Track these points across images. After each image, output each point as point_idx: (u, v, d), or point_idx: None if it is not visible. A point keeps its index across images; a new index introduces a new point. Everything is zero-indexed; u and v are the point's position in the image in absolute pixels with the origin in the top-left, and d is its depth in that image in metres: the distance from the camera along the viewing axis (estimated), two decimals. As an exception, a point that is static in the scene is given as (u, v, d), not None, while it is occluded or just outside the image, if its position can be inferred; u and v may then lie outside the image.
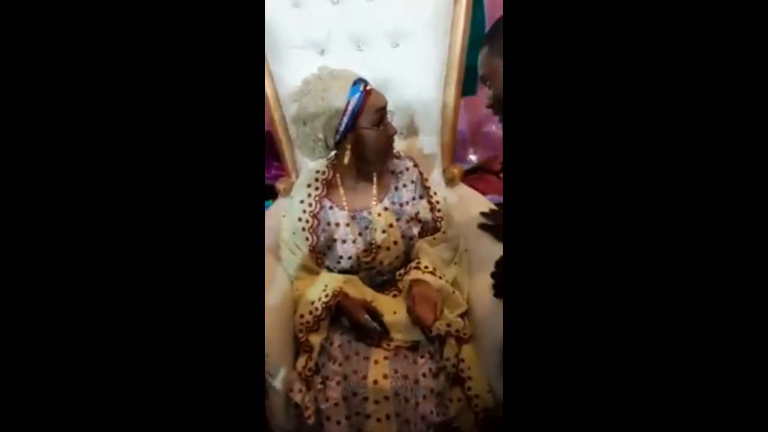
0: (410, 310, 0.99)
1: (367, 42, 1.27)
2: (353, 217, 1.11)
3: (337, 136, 1.02)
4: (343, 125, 1.00)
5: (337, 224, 1.11)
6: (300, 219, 1.11)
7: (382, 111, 1.01)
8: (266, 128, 1.42)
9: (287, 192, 1.38)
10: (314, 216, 1.11)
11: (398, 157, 1.15)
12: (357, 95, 0.99)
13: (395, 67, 1.26)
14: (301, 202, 1.12)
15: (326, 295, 1.04)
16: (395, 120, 1.17)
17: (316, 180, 1.13)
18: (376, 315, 1.02)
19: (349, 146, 1.03)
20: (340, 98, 0.99)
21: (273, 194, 1.46)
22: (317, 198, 1.12)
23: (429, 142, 1.36)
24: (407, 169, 1.14)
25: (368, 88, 1.01)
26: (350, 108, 0.99)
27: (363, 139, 1.02)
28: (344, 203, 1.12)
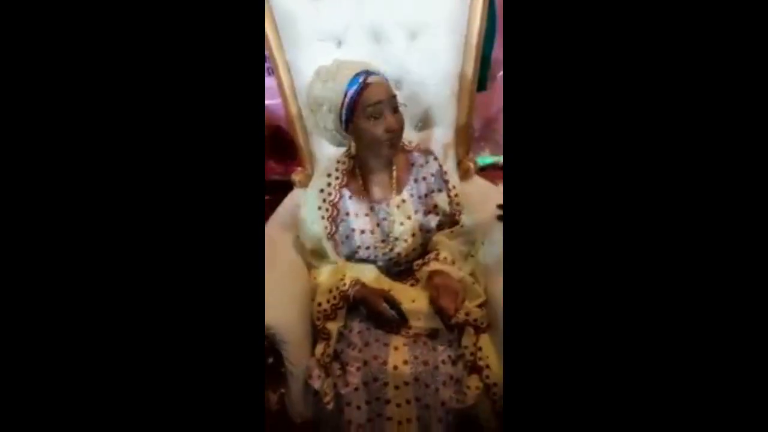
0: (432, 300, 1.00)
1: (384, 35, 1.28)
2: (372, 208, 1.12)
3: (342, 127, 1.04)
4: (343, 116, 1.02)
5: (356, 214, 1.12)
6: (320, 207, 1.12)
7: (378, 104, 1.01)
8: (282, 122, 1.43)
9: (303, 183, 1.39)
10: (333, 205, 1.12)
11: (418, 150, 1.16)
12: (354, 87, 1.00)
13: (412, 59, 1.27)
14: (321, 191, 1.13)
15: (344, 284, 1.04)
16: (408, 112, 1.18)
17: (336, 170, 1.14)
18: (394, 304, 1.02)
19: (351, 137, 1.05)
20: (341, 89, 1.01)
21: (288, 187, 1.47)
22: (337, 187, 1.13)
23: (444, 135, 1.37)
24: (427, 162, 1.15)
25: (368, 80, 1.01)
26: (347, 99, 1.01)
27: (360, 131, 1.03)
28: (363, 193, 1.13)
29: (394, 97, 1.03)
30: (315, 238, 1.13)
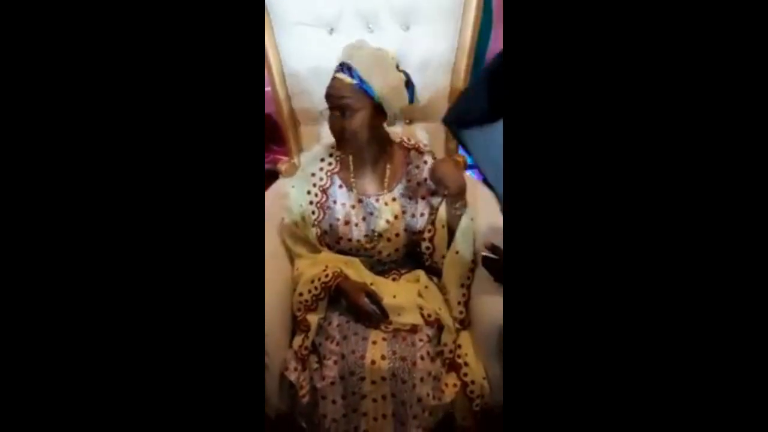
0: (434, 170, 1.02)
1: (378, 23, 1.25)
2: (360, 201, 1.10)
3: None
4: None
5: (343, 204, 1.10)
6: (309, 192, 1.10)
7: (328, 99, 1.01)
8: (268, 110, 1.40)
9: (289, 173, 1.37)
10: (323, 191, 1.10)
11: (416, 149, 1.14)
12: (344, 73, 1.01)
13: (405, 49, 1.24)
14: (313, 175, 1.11)
15: (326, 276, 1.03)
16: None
17: (330, 155, 1.12)
18: (375, 298, 1.01)
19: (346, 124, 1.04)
20: (328, 76, 1.03)
21: (273, 177, 1.44)
22: (329, 173, 1.11)
23: (434, 129, 1.35)
24: (425, 162, 1.12)
25: (335, 74, 1.01)
26: (327, 87, 1.02)
27: (350, 120, 1.01)
28: (353, 184, 1.11)
29: (343, 98, 1.00)
30: (301, 222, 1.11)
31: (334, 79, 1.01)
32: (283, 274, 1.11)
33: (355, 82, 0.99)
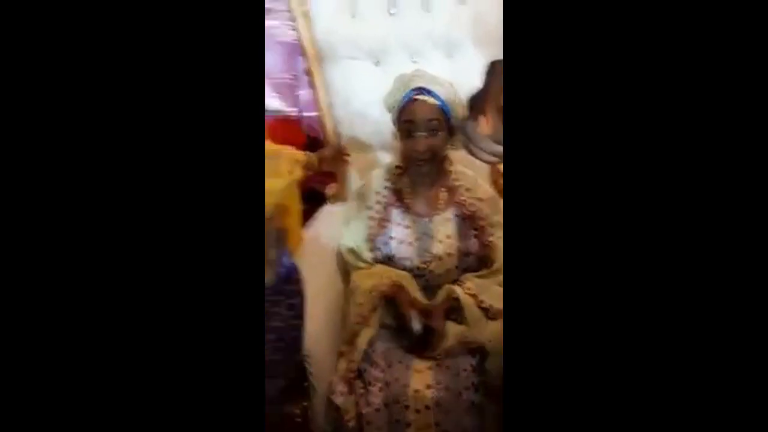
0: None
1: (421, 53, 1.29)
2: (414, 221, 1.13)
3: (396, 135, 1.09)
4: (395, 125, 1.07)
5: (398, 223, 1.13)
6: (370, 207, 1.14)
7: (410, 123, 1.04)
8: (320, 134, 1.45)
9: (336, 198, 1.41)
10: (385, 207, 1.13)
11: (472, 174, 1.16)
12: (405, 100, 1.04)
13: (447, 78, 1.27)
14: (377, 192, 1.15)
15: (383, 285, 1.05)
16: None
17: (393, 174, 1.15)
18: (424, 318, 1.02)
19: (402, 147, 1.08)
20: (399, 98, 1.06)
21: (318, 197, 1.49)
22: (390, 191, 1.14)
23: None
24: (479, 185, 1.14)
25: (416, 96, 1.04)
26: (396, 111, 1.06)
27: (407, 143, 1.05)
28: (409, 205, 1.14)
29: (431, 120, 1.04)
30: (358, 236, 1.14)
31: (415, 101, 1.05)
32: (330, 299, 1.15)
33: (438, 103, 1.04)
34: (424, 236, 1.11)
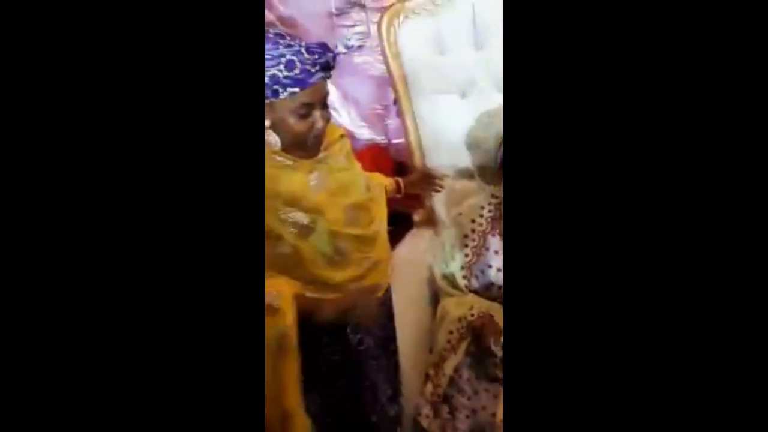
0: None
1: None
2: None
3: (497, 166, 1.12)
4: (499, 157, 1.10)
5: (496, 252, 1.15)
6: (467, 235, 1.17)
7: None
8: (408, 161, 1.51)
9: (423, 224, 1.47)
10: (482, 234, 1.17)
11: None
12: None
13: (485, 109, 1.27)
14: (473, 221, 1.18)
15: (472, 315, 1.09)
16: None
17: (489, 203, 1.18)
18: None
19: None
20: (490, 133, 1.09)
21: (405, 220, 1.55)
22: (488, 220, 1.17)
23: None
24: None
25: None
26: (496, 144, 1.09)
27: None
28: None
29: None
30: (454, 263, 1.17)
31: None
32: (420, 320, 1.20)
33: None
34: None
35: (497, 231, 1.16)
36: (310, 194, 0.91)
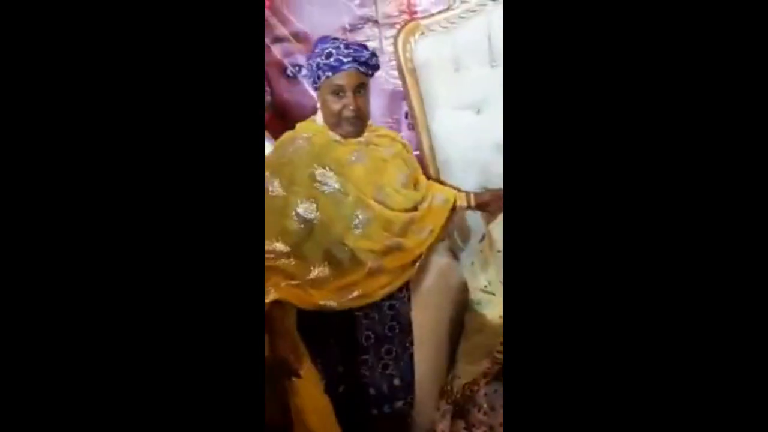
0: None
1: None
2: None
3: None
4: None
5: None
6: (499, 250, 1.18)
7: None
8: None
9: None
10: None
11: None
12: None
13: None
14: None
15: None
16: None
17: None
18: None
19: None
20: None
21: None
22: None
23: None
24: None
25: None
26: None
27: None
28: None
29: None
30: (492, 276, 1.18)
31: None
32: (436, 333, 1.19)
33: None
34: None
35: None
36: (347, 165, 1.07)
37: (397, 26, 1.45)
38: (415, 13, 1.55)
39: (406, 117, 1.58)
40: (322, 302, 1.01)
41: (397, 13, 1.63)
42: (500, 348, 1.07)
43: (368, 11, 1.65)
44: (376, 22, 1.72)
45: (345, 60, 1.04)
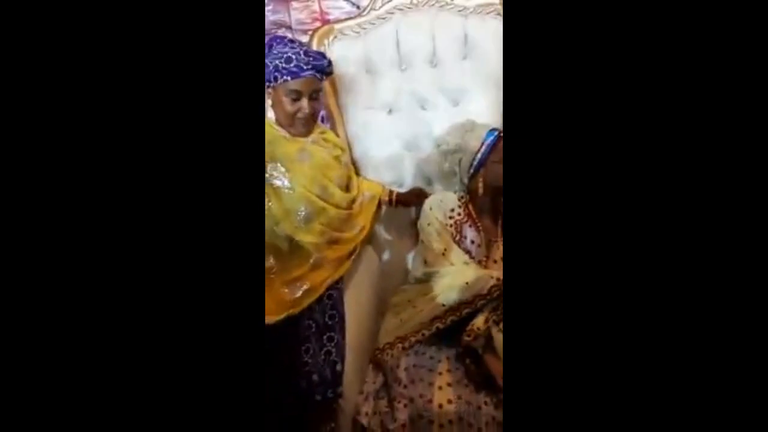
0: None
1: (430, 102, 1.44)
2: (489, 243, 1.24)
3: (471, 171, 1.22)
4: (476, 161, 1.21)
5: (472, 241, 1.23)
6: (451, 217, 1.23)
7: (492, 157, 1.21)
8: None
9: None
10: (458, 225, 1.23)
11: None
12: (492, 137, 1.20)
13: (455, 123, 1.41)
14: (452, 210, 1.24)
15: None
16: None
17: (450, 218, 1.25)
18: None
19: (481, 179, 1.22)
20: (477, 140, 1.21)
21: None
22: (462, 212, 1.25)
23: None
24: None
25: (500, 133, 1.21)
26: (485, 147, 1.20)
27: (493, 173, 1.19)
28: (480, 228, 1.25)
29: (500, 157, 1.19)
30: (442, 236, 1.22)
31: (500, 139, 1.20)
32: (363, 320, 1.22)
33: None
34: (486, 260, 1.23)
35: (471, 222, 1.25)
36: (296, 161, 1.16)
37: (310, 33, 1.50)
38: (328, 21, 1.62)
39: (323, 121, 1.63)
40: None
41: (309, 21, 1.69)
42: (430, 327, 1.14)
43: (281, 17, 1.70)
44: (289, 27, 1.77)
45: (305, 67, 1.12)
